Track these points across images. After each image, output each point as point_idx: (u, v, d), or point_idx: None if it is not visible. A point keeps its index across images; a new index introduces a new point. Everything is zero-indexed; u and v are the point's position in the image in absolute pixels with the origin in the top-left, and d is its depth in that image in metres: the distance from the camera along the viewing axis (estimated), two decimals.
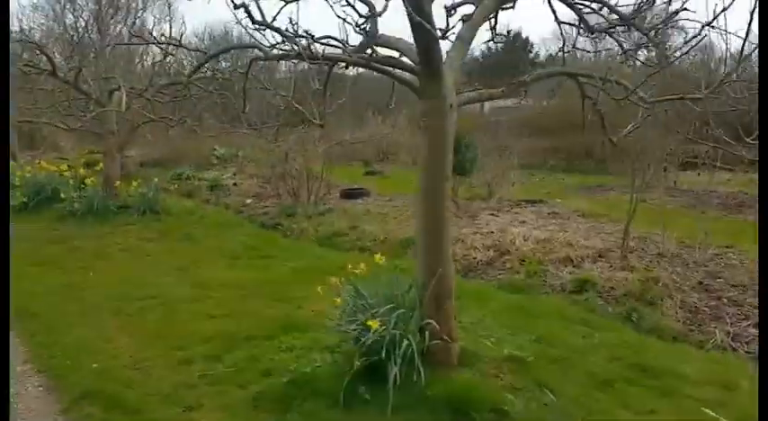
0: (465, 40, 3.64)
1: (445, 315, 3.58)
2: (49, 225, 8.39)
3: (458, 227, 9.80)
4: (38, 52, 8.39)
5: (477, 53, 50.99)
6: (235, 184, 15.96)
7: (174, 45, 4.84)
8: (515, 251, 7.49)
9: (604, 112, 4.31)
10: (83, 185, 9.56)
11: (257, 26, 3.04)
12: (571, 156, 21.46)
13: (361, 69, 4.26)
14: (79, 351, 4.21)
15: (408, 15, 2.81)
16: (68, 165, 10.60)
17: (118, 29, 19.09)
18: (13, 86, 11.39)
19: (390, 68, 3.58)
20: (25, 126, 15.72)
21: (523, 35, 46.14)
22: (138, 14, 19.80)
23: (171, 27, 26.33)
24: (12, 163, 13.31)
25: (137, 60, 19.15)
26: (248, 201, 13.59)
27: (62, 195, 8.79)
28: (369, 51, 3.28)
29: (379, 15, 3.10)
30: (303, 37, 3.06)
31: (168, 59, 9.98)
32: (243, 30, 3.23)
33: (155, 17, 21.64)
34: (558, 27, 4.11)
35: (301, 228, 10.63)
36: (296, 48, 3.02)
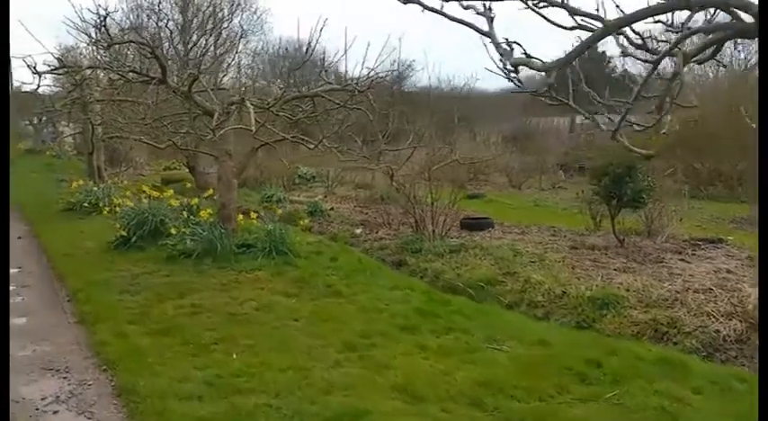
0: None
1: None
2: (158, 268, 6.84)
3: (646, 276, 7.75)
4: (149, 54, 6.91)
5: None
6: (332, 209, 14.35)
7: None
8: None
9: None
10: (190, 216, 8.05)
11: None
12: (697, 181, 18.93)
13: None
14: None
15: None
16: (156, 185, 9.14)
17: (203, 40, 18.12)
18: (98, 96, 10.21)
19: None
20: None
21: (599, 48, 43.78)
22: (225, 25, 18.72)
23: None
24: (96, 184, 12.11)
25: (221, 74, 17.96)
26: (357, 231, 11.88)
27: (172, 230, 7.24)
28: None
29: None
30: None
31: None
32: None
33: (242, 28, 20.82)
34: None
35: (435, 271, 8.77)
36: None
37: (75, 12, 7.15)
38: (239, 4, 19.07)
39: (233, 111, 7.30)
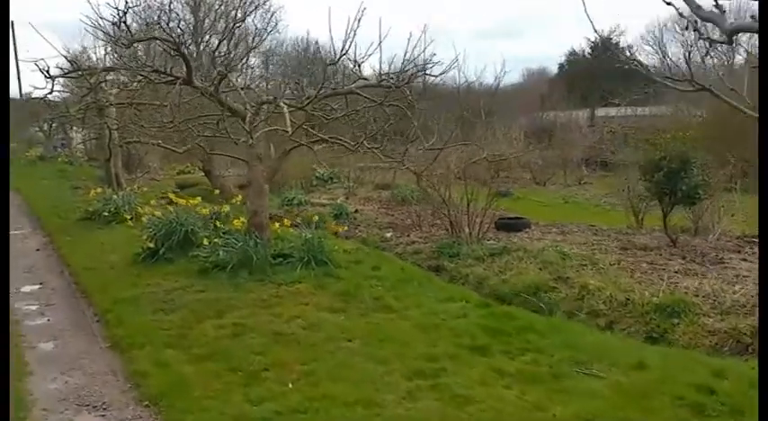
0: None
1: None
2: (191, 283, 6.34)
3: (712, 279, 7.19)
4: (173, 52, 6.40)
5: (562, 60, 48.15)
6: (356, 211, 13.83)
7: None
8: None
9: None
10: (217, 225, 7.56)
11: None
12: (729, 173, 18.21)
13: None
14: None
15: None
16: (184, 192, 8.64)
17: (215, 41, 17.62)
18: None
19: None
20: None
21: (614, 39, 42.96)
22: (238, 25, 18.21)
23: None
24: (115, 191, 11.64)
25: (236, 74, 17.47)
26: (387, 234, 11.36)
27: (204, 240, 6.74)
28: None
29: None
30: None
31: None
32: None
33: (255, 27, 20.27)
34: None
35: (478, 277, 8.23)
36: None
37: (93, 8, 6.64)
38: (252, 2, 18.66)
39: (263, 112, 6.79)
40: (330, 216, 12.46)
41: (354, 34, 6.52)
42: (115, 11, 6.14)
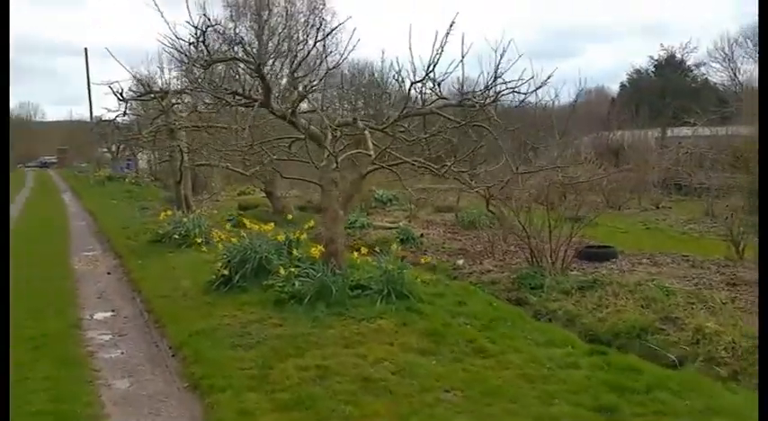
0: None
1: None
2: (267, 314, 5.96)
3: None
4: (253, 73, 6.14)
5: (623, 78, 46.58)
6: (422, 236, 13.32)
7: None
8: None
9: None
10: (292, 253, 7.20)
11: None
12: None
13: None
14: None
15: None
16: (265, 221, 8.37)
17: (276, 64, 17.69)
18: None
19: None
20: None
21: (677, 56, 41.21)
22: (300, 47, 18.26)
23: None
24: (185, 214, 11.57)
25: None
26: (459, 261, 10.78)
27: (281, 270, 6.37)
28: None
29: None
30: None
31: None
32: None
33: (317, 48, 20.22)
34: None
35: (568, 314, 7.51)
36: None
37: (169, 28, 6.48)
38: (314, 25, 18.69)
39: (341, 136, 6.42)
40: (396, 240, 12.01)
41: (441, 51, 6.11)
42: (194, 29, 5.96)
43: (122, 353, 5.46)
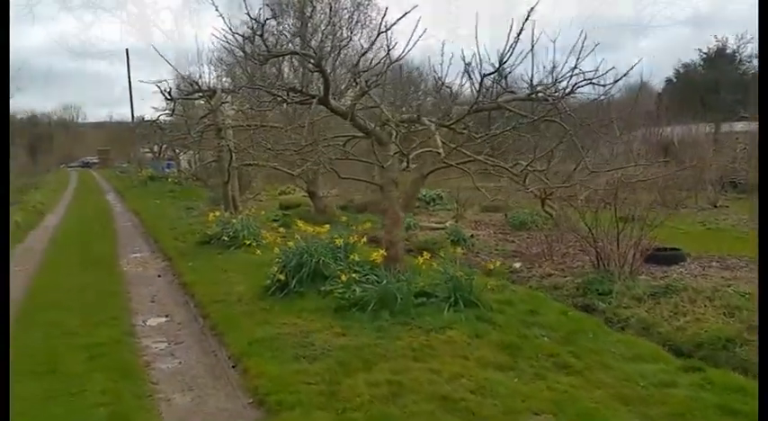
0: None
1: None
2: (329, 323, 5.63)
3: None
4: (310, 64, 5.82)
5: (669, 73, 44.94)
6: (472, 236, 12.86)
7: None
8: None
9: None
10: (349, 257, 6.87)
11: None
12: None
13: None
14: None
15: None
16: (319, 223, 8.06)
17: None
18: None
19: None
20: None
21: (729, 48, 39.47)
22: (343, 43, 18.00)
23: None
24: (233, 215, 11.39)
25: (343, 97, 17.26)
26: (516, 264, 10.30)
27: (342, 276, 6.03)
28: None
29: None
30: None
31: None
32: None
33: (361, 45, 19.96)
34: None
35: (642, 322, 6.94)
36: None
37: (225, 23, 6.24)
38: (358, 21, 18.43)
39: (407, 133, 6.05)
40: (447, 242, 11.59)
41: (516, 43, 5.68)
42: (252, 22, 5.68)
43: (180, 363, 5.21)
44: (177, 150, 22.73)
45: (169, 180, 24.93)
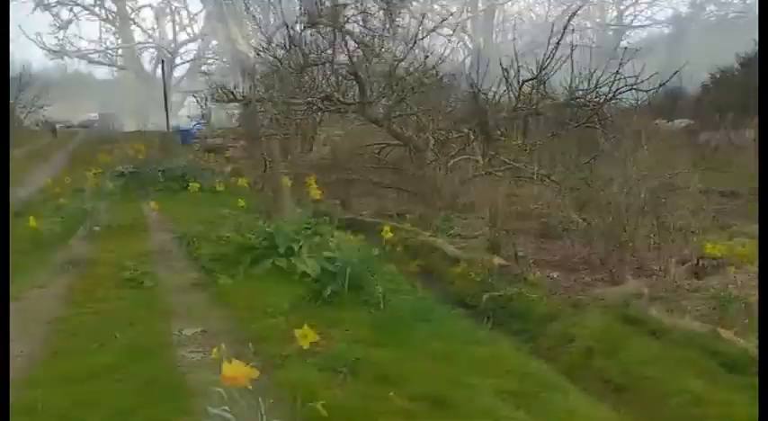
0: None
1: None
2: (358, 333, 5.48)
3: None
4: (350, 76, 5.77)
5: (704, 78, 43.72)
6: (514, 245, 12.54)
7: None
8: None
9: None
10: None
11: None
12: None
13: None
14: None
15: None
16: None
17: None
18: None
19: None
20: None
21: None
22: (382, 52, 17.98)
23: None
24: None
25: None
26: (554, 274, 10.07)
27: (378, 286, 5.93)
28: None
29: None
30: None
31: None
32: None
33: (394, 54, 19.86)
34: None
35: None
36: None
37: (261, 31, 6.25)
38: (392, 30, 18.32)
39: (445, 140, 5.94)
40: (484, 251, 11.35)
41: (557, 47, 5.54)
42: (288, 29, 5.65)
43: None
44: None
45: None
